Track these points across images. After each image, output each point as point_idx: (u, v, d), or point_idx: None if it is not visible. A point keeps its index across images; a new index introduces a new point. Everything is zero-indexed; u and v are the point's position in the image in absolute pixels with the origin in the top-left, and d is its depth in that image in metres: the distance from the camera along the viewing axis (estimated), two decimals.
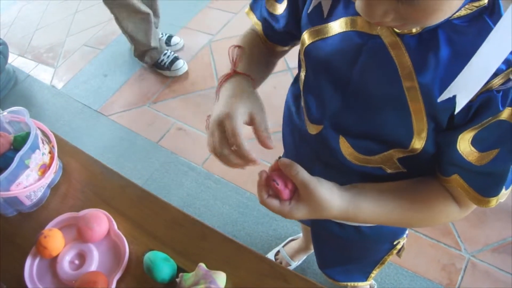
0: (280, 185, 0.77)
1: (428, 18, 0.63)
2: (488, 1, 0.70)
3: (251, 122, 0.83)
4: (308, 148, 0.99)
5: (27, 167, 0.88)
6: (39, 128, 0.94)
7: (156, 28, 3.05)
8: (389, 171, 0.91)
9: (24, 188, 0.87)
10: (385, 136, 0.84)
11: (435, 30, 0.72)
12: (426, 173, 0.89)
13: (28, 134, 0.91)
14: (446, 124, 0.78)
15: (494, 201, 0.79)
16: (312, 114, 0.94)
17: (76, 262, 0.86)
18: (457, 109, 0.71)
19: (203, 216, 2.19)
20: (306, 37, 0.88)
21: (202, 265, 0.79)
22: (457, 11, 0.69)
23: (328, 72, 0.86)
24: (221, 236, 0.88)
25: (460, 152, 0.77)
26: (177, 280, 0.80)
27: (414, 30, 0.73)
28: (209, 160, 2.46)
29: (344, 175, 0.91)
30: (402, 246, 1.18)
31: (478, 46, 0.67)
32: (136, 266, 0.84)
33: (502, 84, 0.69)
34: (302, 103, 0.98)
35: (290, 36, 0.99)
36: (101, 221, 0.85)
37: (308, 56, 0.90)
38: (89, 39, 3.60)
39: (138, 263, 0.83)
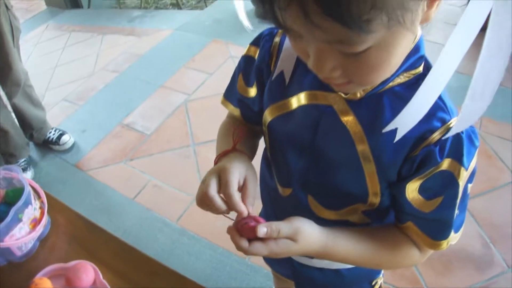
0: (253, 223, 0.79)
1: (371, 73, 0.69)
2: (423, 69, 0.80)
3: (243, 186, 0.86)
4: (282, 206, 1.06)
5: (20, 220, 0.92)
6: (30, 185, 1.00)
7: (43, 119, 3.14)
8: (355, 222, 0.97)
9: (17, 239, 0.91)
10: (345, 193, 0.91)
11: (380, 96, 0.80)
12: (388, 222, 0.96)
13: (20, 190, 0.96)
14: (395, 179, 0.85)
15: (444, 244, 0.86)
16: (281, 179, 1.02)
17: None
18: (396, 139, 0.77)
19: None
20: (268, 114, 0.96)
21: None
22: (396, 76, 0.78)
23: (291, 142, 0.94)
24: (198, 286, 0.93)
25: (409, 200, 0.84)
26: None
27: (358, 95, 0.81)
28: (184, 217, 2.49)
29: None
30: (380, 286, 1.23)
31: None
32: None
33: (439, 139, 0.77)
34: (272, 169, 1.05)
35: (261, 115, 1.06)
36: (88, 272, 0.89)
37: (272, 130, 0.97)
38: (68, 94, 3.65)
39: None
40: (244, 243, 0.79)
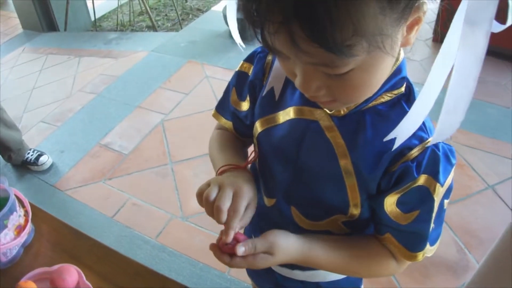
0: (233, 242, 0.83)
1: (353, 93, 0.73)
2: (405, 89, 0.85)
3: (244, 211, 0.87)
4: (266, 217, 1.08)
5: (6, 227, 0.95)
6: (14, 194, 1.04)
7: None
8: (336, 232, 1.01)
9: (2, 245, 0.95)
10: (327, 204, 0.96)
11: (363, 114, 0.86)
12: (368, 233, 1.01)
13: (4, 199, 1.00)
14: (375, 191, 0.90)
15: (420, 256, 0.91)
16: (267, 189, 1.07)
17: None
18: (394, 147, 0.80)
19: None
20: (258, 126, 1.01)
21: None
22: (378, 95, 0.83)
23: (278, 154, 0.99)
24: (180, 285, 0.97)
25: (387, 213, 0.88)
26: None
27: (342, 112, 0.86)
28: (163, 234, 2.52)
29: None
30: None
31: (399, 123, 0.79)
32: None
33: (416, 156, 0.82)
34: (260, 179, 1.09)
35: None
36: (72, 273, 0.92)
37: (260, 142, 1.02)
38: (46, 116, 3.67)
39: None
40: (226, 258, 0.84)
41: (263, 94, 1.00)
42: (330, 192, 0.94)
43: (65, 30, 5.36)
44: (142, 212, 2.69)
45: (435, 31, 4.20)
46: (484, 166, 2.78)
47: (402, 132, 0.77)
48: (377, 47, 0.63)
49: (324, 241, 0.95)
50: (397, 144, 0.79)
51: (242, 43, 0.94)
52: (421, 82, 2.52)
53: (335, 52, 0.60)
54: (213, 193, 0.86)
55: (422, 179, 0.83)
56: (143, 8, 5.38)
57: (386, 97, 0.85)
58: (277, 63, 0.98)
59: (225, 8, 4.43)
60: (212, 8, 5.57)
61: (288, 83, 0.97)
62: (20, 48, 5.09)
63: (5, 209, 0.95)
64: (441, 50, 0.67)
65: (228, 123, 1.12)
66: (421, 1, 0.66)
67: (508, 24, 0.66)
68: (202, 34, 4.69)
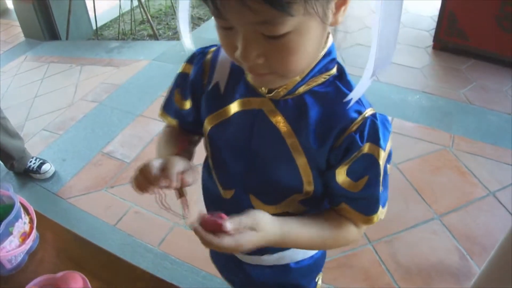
0: (220, 220, 0.83)
1: (289, 58, 0.81)
2: (337, 71, 0.96)
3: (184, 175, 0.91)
4: (226, 209, 1.09)
5: (11, 234, 0.96)
6: (20, 201, 1.05)
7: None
8: (294, 212, 1.06)
9: (7, 252, 0.96)
10: (283, 186, 1.02)
11: (302, 98, 0.95)
12: (324, 208, 1.07)
13: (9, 206, 1.00)
14: (325, 167, 0.98)
15: (375, 218, 0.98)
16: (223, 182, 1.12)
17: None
18: (351, 103, 0.92)
19: None
20: (207, 123, 1.06)
21: None
22: (312, 77, 0.93)
23: (230, 146, 1.05)
24: None
25: (339, 184, 0.96)
26: None
27: (281, 93, 0.94)
28: (165, 242, 2.53)
29: None
30: (321, 281, 1.34)
31: (337, 102, 0.93)
32: None
33: (357, 128, 0.91)
34: (214, 174, 1.13)
35: (197, 125, 1.13)
36: (77, 280, 0.93)
37: (212, 138, 1.07)
38: (48, 124, 3.68)
39: None
40: (215, 239, 0.83)
41: (208, 90, 1.06)
42: (284, 174, 1.00)
43: (66, 39, 5.38)
44: (144, 220, 2.69)
45: (435, 38, 4.21)
46: (485, 172, 2.79)
47: (357, 92, 0.90)
48: (312, 11, 0.74)
49: (298, 220, 0.99)
50: (352, 102, 0.91)
51: (191, 45, 1.03)
52: (422, 89, 2.58)
53: (277, 7, 0.69)
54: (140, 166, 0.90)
55: (366, 147, 0.92)
56: (145, 17, 5.41)
57: (320, 79, 0.94)
58: (221, 57, 1.04)
59: None
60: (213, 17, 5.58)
61: (231, 77, 1.03)
62: (22, 56, 5.11)
63: (11, 216, 0.96)
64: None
65: (173, 121, 1.17)
66: None
67: None
68: (204, 42, 4.60)
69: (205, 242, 0.86)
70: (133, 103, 3.80)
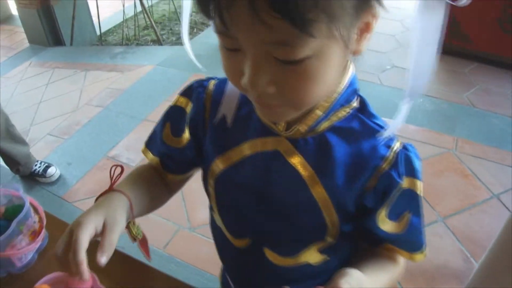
0: None
1: (305, 88, 0.69)
2: (359, 104, 0.86)
3: (102, 236, 0.83)
4: (239, 258, 1.06)
5: (21, 232, 0.98)
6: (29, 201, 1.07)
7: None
8: (314, 263, 0.97)
9: (18, 250, 0.98)
10: (304, 235, 0.93)
11: (324, 136, 0.84)
12: (342, 254, 0.99)
13: (19, 206, 1.02)
14: (354, 211, 0.88)
15: (423, 256, 0.94)
16: (234, 231, 1.02)
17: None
18: (383, 137, 0.83)
19: None
20: (216, 166, 0.95)
21: None
22: (333, 111, 0.82)
23: (244, 192, 0.94)
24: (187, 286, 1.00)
25: (383, 229, 0.88)
26: None
27: (301, 130, 0.83)
28: (170, 244, 2.54)
29: (275, 276, 1.00)
30: None
31: (364, 138, 0.84)
32: None
33: (391, 164, 0.83)
34: (219, 220, 1.04)
35: (189, 165, 1.05)
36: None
37: (221, 182, 0.96)
38: (53, 129, 3.70)
39: None
40: None
41: (214, 124, 0.95)
42: (306, 221, 0.91)
43: (71, 44, 5.42)
44: (149, 223, 2.70)
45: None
46: (488, 175, 2.80)
47: (393, 126, 0.79)
48: (336, 34, 0.64)
49: (371, 268, 0.90)
50: (386, 135, 0.82)
51: (199, 65, 0.89)
52: (425, 92, 2.60)
53: (296, 22, 0.58)
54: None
55: (405, 183, 0.85)
56: (148, 23, 5.44)
57: (342, 113, 0.84)
58: (228, 89, 0.94)
59: None
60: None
61: (241, 111, 0.93)
62: (26, 62, 5.14)
63: (21, 215, 0.98)
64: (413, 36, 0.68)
65: (155, 159, 1.05)
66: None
67: None
68: (207, 47, 4.73)
69: None
70: (138, 108, 3.82)
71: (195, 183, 3.03)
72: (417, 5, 0.64)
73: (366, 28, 0.70)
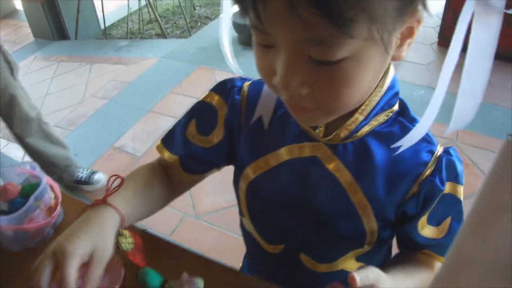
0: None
1: (340, 91, 0.66)
2: (399, 107, 0.84)
3: (89, 262, 0.78)
4: (273, 263, 1.04)
5: (38, 207, 1.01)
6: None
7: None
8: (350, 270, 0.95)
9: (35, 224, 1.02)
10: (341, 243, 0.92)
11: (364, 140, 0.82)
12: (381, 260, 1.00)
13: (35, 185, 1.06)
14: (394, 218, 0.87)
15: None
16: (268, 237, 1.00)
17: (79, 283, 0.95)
18: (397, 152, 0.79)
19: None
20: (250, 171, 0.92)
21: (185, 273, 0.92)
22: (374, 115, 0.80)
23: (281, 198, 0.92)
24: (200, 257, 1.03)
25: (423, 235, 0.88)
26: (166, 286, 0.93)
27: (342, 135, 0.80)
28: (176, 232, 2.59)
29: (308, 280, 0.99)
30: None
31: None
32: (131, 281, 0.96)
33: (434, 170, 0.81)
34: (250, 225, 1.02)
35: (211, 166, 1.03)
36: None
37: (255, 188, 0.94)
38: (59, 121, 3.74)
39: (133, 280, 0.95)
40: None
41: (251, 124, 0.92)
42: (345, 228, 0.89)
43: (75, 38, 5.45)
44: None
45: (440, 35, 4.27)
46: (489, 165, 2.81)
47: (409, 139, 0.76)
48: (376, 36, 0.60)
49: (399, 270, 0.90)
50: (401, 149, 0.79)
51: (238, 69, 0.85)
52: (427, 84, 2.64)
53: (335, 21, 0.55)
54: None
55: (447, 188, 0.83)
56: (153, 16, 5.47)
57: (382, 117, 0.82)
58: (264, 91, 0.91)
59: (234, 15, 4.50)
60: (221, 16, 5.63)
61: (278, 115, 0.90)
62: (31, 56, 5.17)
63: (39, 191, 1.01)
64: (449, 50, 0.64)
65: (173, 158, 1.00)
66: (418, 1, 0.63)
67: None
68: (211, 40, 4.77)
69: None
70: (143, 100, 3.86)
71: None
72: (462, 17, 0.59)
73: (409, 34, 0.67)
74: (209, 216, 2.66)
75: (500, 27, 0.58)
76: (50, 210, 1.06)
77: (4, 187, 1.08)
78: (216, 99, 0.95)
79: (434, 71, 3.89)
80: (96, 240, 0.79)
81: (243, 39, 4.39)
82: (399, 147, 0.79)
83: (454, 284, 0.60)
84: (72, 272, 0.74)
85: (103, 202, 0.86)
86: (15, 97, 2.57)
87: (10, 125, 2.63)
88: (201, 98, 0.98)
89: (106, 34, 5.65)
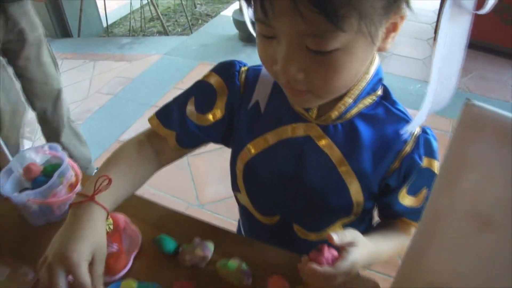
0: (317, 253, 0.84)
1: (332, 77, 0.75)
2: (382, 92, 0.94)
3: (90, 268, 0.83)
4: (268, 234, 1.13)
5: (61, 183, 1.09)
6: None
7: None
8: None
9: (58, 199, 1.11)
10: (332, 212, 1.02)
11: (352, 121, 0.92)
12: (364, 228, 1.08)
13: (57, 165, 1.14)
14: (377, 190, 0.98)
15: None
16: (263, 209, 1.10)
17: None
18: (408, 133, 0.89)
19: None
20: (249, 149, 1.01)
21: (197, 238, 1.02)
22: (361, 99, 0.89)
23: (277, 174, 1.01)
24: (210, 226, 1.13)
25: (403, 204, 0.98)
26: (180, 249, 1.01)
27: (333, 116, 0.90)
28: None
29: (299, 248, 1.03)
30: None
31: (388, 123, 0.92)
32: (148, 248, 1.05)
33: (413, 147, 0.92)
34: (246, 199, 1.11)
35: (203, 142, 1.08)
36: (120, 219, 1.05)
37: (253, 166, 1.02)
38: None
39: (149, 246, 1.04)
40: (330, 268, 0.81)
41: (248, 108, 1.00)
42: (335, 200, 0.98)
43: (78, 36, 5.51)
44: (160, 201, 2.78)
45: (436, 31, 4.35)
46: None
47: (415, 123, 0.84)
48: (364, 30, 0.70)
49: (377, 233, 1.01)
50: (409, 131, 0.89)
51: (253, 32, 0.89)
52: (423, 78, 2.75)
53: (330, 17, 0.64)
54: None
55: (424, 163, 0.93)
56: (154, 14, 5.56)
57: (368, 101, 0.92)
58: (262, 75, 0.99)
59: (235, 12, 4.59)
60: (221, 13, 5.75)
61: (273, 99, 0.98)
62: None
63: (62, 168, 1.10)
64: (438, 39, 0.71)
65: (169, 133, 1.04)
66: (402, 0, 0.72)
67: (488, 6, 0.71)
68: (213, 37, 4.86)
69: (314, 275, 0.81)
70: (147, 95, 3.93)
71: (202, 162, 3.16)
72: (443, 15, 0.68)
73: (393, 28, 0.76)
74: (213, 205, 2.74)
75: (470, 24, 0.69)
76: (71, 186, 1.14)
77: (28, 167, 1.16)
78: (216, 80, 1.01)
79: (430, 65, 3.97)
80: (94, 241, 0.85)
81: (244, 36, 4.49)
82: (387, 125, 0.92)
83: (430, 234, 0.70)
84: (86, 278, 0.80)
85: (90, 200, 0.89)
86: (61, 92, 2.60)
87: (48, 122, 2.61)
88: (201, 77, 1.04)
89: (108, 32, 5.72)
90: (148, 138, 1.07)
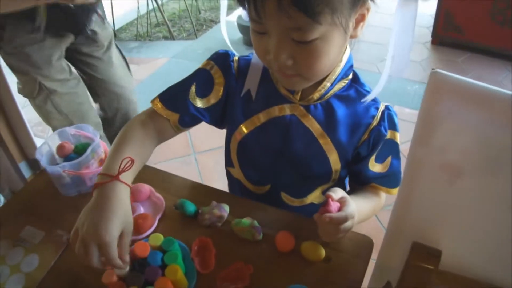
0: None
1: (314, 62, 0.91)
2: (352, 76, 1.11)
3: (119, 242, 0.90)
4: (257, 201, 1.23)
5: (93, 158, 1.22)
6: None
7: None
8: (317, 202, 1.24)
9: (90, 171, 1.21)
10: (313, 180, 1.20)
11: (329, 102, 1.08)
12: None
13: (87, 144, 1.25)
14: (351, 159, 1.14)
15: (395, 191, 1.15)
16: (255, 180, 1.25)
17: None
18: (368, 100, 1.06)
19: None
20: (243, 128, 1.16)
21: (214, 201, 1.16)
22: (336, 83, 1.06)
23: (267, 149, 1.16)
24: (226, 193, 1.25)
25: (373, 171, 1.14)
26: (199, 211, 1.14)
27: (314, 98, 1.06)
28: None
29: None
30: None
31: (358, 101, 1.08)
32: (170, 212, 1.17)
33: (379, 121, 1.09)
34: (239, 172, 1.27)
35: (198, 121, 1.19)
36: (145, 188, 1.19)
37: (246, 143, 1.18)
38: None
39: (171, 211, 1.16)
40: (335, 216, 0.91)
41: (241, 96, 1.15)
42: (317, 169, 1.14)
43: None
44: None
45: (433, 34, 4.50)
46: None
47: (375, 91, 1.02)
48: (337, 22, 0.84)
49: (355, 196, 1.14)
50: (369, 98, 1.05)
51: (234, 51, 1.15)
52: (421, 80, 2.91)
53: (309, 14, 0.79)
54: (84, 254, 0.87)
55: (388, 134, 1.11)
56: (160, 20, 5.64)
57: (341, 84, 1.08)
58: (252, 65, 1.14)
59: (238, 17, 4.71)
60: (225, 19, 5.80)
61: (262, 85, 1.13)
62: None
63: (94, 144, 1.22)
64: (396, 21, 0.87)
65: (173, 116, 1.15)
66: None
67: None
68: (218, 42, 4.95)
69: (323, 223, 0.92)
70: (156, 95, 3.96)
71: (210, 159, 3.26)
72: (397, 4, 0.84)
73: (361, 19, 0.92)
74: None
75: (416, 12, 0.85)
76: (101, 161, 1.26)
77: (61, 145, 1.29)
78: (213, 68, 1.16)
79: (428, 67, 4.09)
80: (123, 217, 0.91)
81: (247, 40, 4.61)
82: (358, 103, 1.09)
83: (412, 183, 0.85)
84: (116, 256, 0.88)
85: (116, 179, 0.95)
86: (132, 93, 2.58)
87: (116, 124, 2.58)
88: (200, 66, 1.19)
89: (116, 37, 5.82)
90: (150, 119, 1.17)
